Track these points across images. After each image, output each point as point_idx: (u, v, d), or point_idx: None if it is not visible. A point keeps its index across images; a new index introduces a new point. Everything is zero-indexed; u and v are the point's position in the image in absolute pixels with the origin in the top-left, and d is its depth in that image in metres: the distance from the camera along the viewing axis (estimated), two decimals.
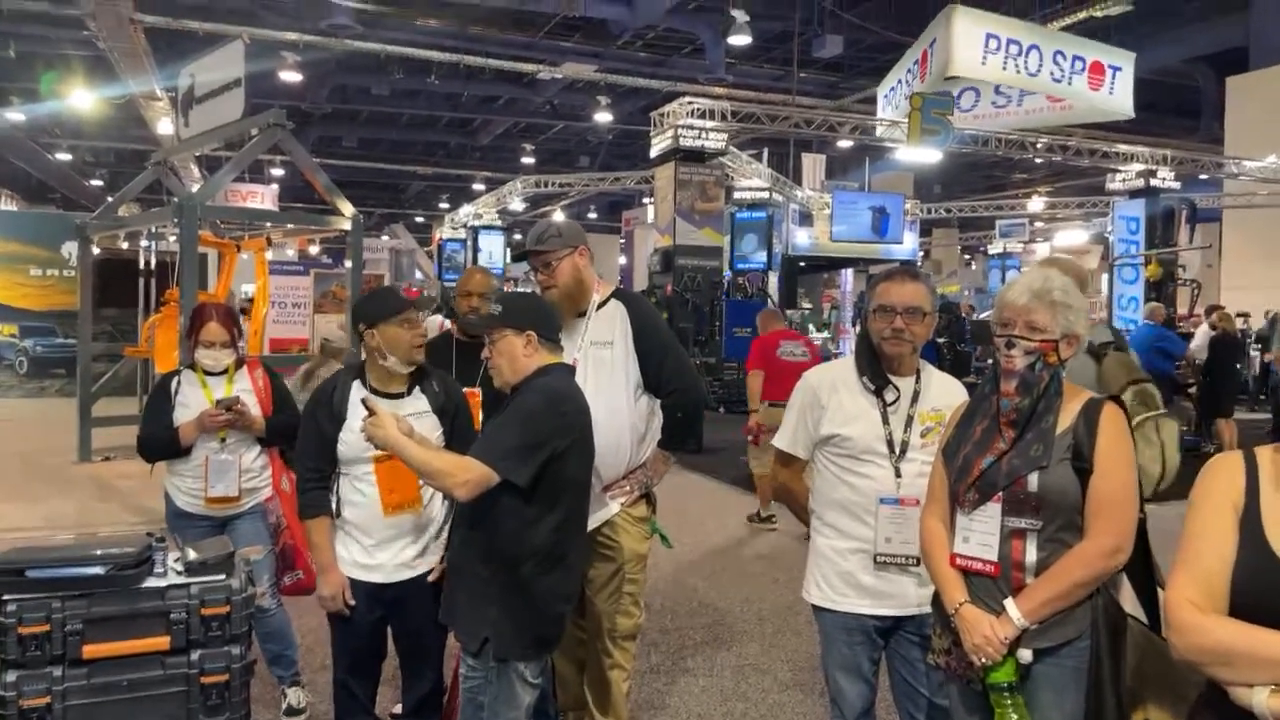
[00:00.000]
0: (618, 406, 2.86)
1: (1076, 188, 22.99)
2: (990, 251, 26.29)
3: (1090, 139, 16.70)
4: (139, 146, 17.75)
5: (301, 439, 2.81)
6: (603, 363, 2.88)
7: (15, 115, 15.78)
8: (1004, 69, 10.80)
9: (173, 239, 8.34)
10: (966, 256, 30.53)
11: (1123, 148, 17.22)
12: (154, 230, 8.92)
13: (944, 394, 2.44)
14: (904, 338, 2.38)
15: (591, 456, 2.57)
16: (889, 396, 2.42)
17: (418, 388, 2.82)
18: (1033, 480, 1.96)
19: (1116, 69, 10.23)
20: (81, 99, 14.75)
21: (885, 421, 2.41)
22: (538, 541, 2.39)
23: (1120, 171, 17.67)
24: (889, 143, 15.32)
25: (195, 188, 12.90)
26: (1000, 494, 1.99)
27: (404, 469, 2.61)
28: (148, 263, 9.19)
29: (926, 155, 13.74)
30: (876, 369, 2.43)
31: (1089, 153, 16.96)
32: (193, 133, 8.55)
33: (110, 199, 11.44)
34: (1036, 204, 23.72)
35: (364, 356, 2.83)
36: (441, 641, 2.87)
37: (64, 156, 21.17)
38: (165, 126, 14.63)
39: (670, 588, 5.26)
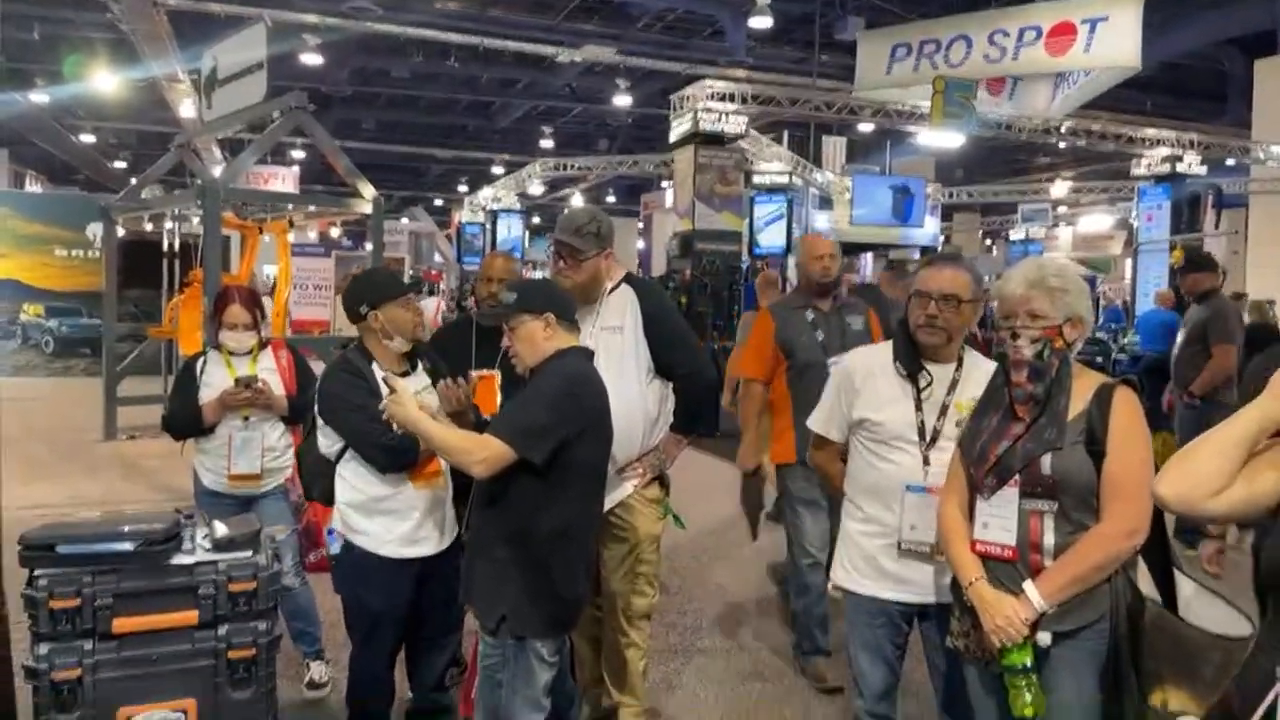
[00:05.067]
0: (629, 390, 2.88)
1: (1100, 172, 22.72)
2: (1012, 237, 26.06)
3: (1115, 123, 16.48)
4: (162, 129, 17.84)
5: (359, 423, 2.72)
6: (613, 347, 2.90)
7: (40, 97, 15.90)
8: (914, 71, 10.72)
9: (196, 221, 8.42)
10: (988, 242, 30.28)
11: (1148, 132, 16.99)
12: (177, 212, 9.00)
13: (985, 383, 2.36)
14: (937, 325, 2.36)
15: (609, 439, 2.59)
16: (922, 383, 2.41)
17: (418, 364, 2.90)
18: (1046, 462, 1.99)
19: (1096, 20, 9.50)
20: (105, 81, 14.84)
21: (918, 408, 2.40)
22: (554, 521, 2.43)
23: (1145, 156, 17.44)
24: (910, 126, 15.21)
25: (218, 169, 12.99)
26: (1017, 477, 2.01)
27: (426, 450, 2.66)
28: (171, 244, 9.28)
29: (949, 139, 13.62)
30: (911, 355, 2.42)
31: (1114, 137, 16.75)
32: (215, 115, 8.60)
33: (134, 181, 11.54)
34: (1060, 189, 23.45)
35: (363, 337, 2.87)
36: (462, 613, 2.92)
37: (88, 138, 21.33)
38: (188, 109, 14.70)
39: (686, 569, 5.29)
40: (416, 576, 2.80)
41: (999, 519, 2.05)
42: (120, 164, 24.51)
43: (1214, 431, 1.52)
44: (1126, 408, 2.00)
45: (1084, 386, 2.05)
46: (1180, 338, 5.75)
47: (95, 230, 12.71)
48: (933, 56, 10.64)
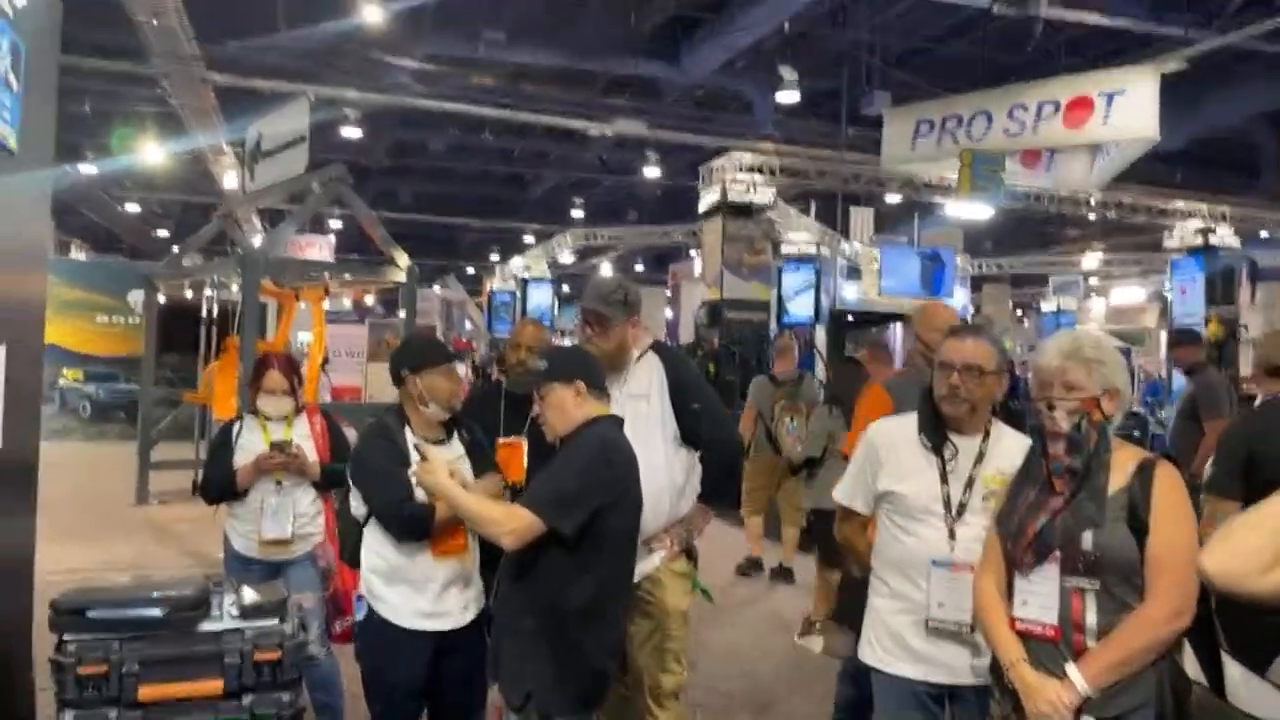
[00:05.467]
0: (655, 459, 2.85)
1: (1132, 244, 22.64)
2: (1044, 308, 25.91)
3: (1146, 195, 16.48)
4: (204, 199, 18.39)
5: (379, 471, 2.72)
6: (639, 415, 2.88)
7: (89, 169, 16.49)
8: (937, 146, 10.90)
9: (235, 288, 8.60)
10: (1019, 313, 30.12)
11: (1179, 204, 16.95)
12: (216, 279, 9.22)
13: (1013, 456, 2.29)
14: (961, 395, 2.33)
15: (639, 510, 2.56)
16: (947, 454, 2.36)
17: (454, 432, 2.88)
18: (1087, 539, 1.94)
19: (1113, 94, 9.62)
20: (152, 153, 15.39)
21: (943, 481, 2.35)
22: (583, 595, 2.38)
23: (1177, 229, 17.37)
24: (938, 198, 15.31)
25: (257, 238, 13.33)
26: (1057, 553, 1.96)
27: (453, 520, 2.64)
28: (209, 311, 9.48)
29: (977, 211, 13.67)
30: (935, 426, 2.39)
31: (1144, 209, 16.72)
32: (258, 186, 8.86)
33: (175, 249, 11.86)
34: (1091, 260, 23.37)
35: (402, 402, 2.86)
36: (485, 691, 2.86)
37: (133, 208, 22.01)
38: (231, 180, 15.19)
39: (714, 644, 5.18)
40: (437, 649, 2.72)
41: (1039, 596, 2.00)
42: (163, 232, 25.23)
43: (1263, 506, 1.49)
44: (1169, 484, 1.96)
45: (1124, 461, 2.01)
46: (1174, 413, 5.69)
47: (136, 297, 13.02)
48: (955, 132, 10.82)
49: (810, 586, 6.02)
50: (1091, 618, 1.93)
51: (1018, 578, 2.03)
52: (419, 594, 2.69)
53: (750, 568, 6.83)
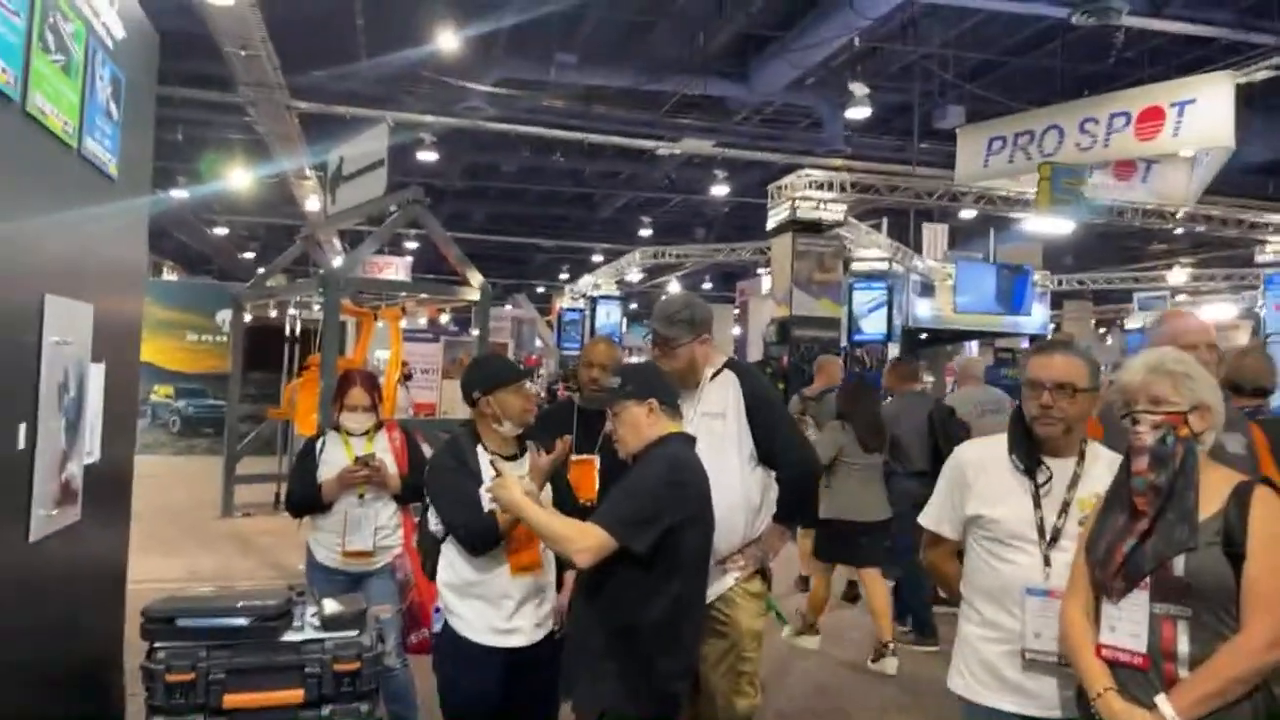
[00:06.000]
0: (730, 478, 2.83)
1: (1222, 259, 21.75)
2: (1129, 325, 25.03)
3: (1236, 208, 15.83)
4: (288, 221, 19.03)
5: (451, 503, 2.76)
6: (714, 434, 2.87)
7: (180, 194, 17.22)
8: (1009, 162, 10.75)
9: (316, 308, 8.87)
10: (1102, 330, 29.14)
11: (1272, 218, 16.24)
12: (299, 299, 9.51)
13: (1110, 478, 2.18)
14: (1053, 415, 2.22)
15: (711, 530, 2.55)
16: (1040, 478, 2.26)
17: (527, 452, 2.90)
18: (1179, 564, 1.86)
19: (1184, 103, 9.35)
20: (239, 178, 16.01)
21: (1037, 505, 2.24)
22: (655, 614, 2.37)
23: (1270, 243, 16.64)
24: (1016, 213, 14.94)
25: (337, 259, 13.72)
26: (1148, 580, 1.89)
27: (530, 531, 2.66)
28: (292, 330, 9.78)
29: (1057, 226, 13.30)
30: (1027, 448, 2.28)
31: (1234, 223, 16.05)
32: (339, 209, 9.13)
33: (261, 270, 12.28)
34: (1178, 276, 22.49)
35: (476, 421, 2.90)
36: (558, 708, 2.87)
37: (221, 231, 22.90)
38: (313, 203, 15.70)
39: (786, 667, 5.11)
40: (510, 665, 2.73)
41: (1128, 624, 1.92)
42: (248, 254, 26.18)
43: None
44: (1268, 508, 1.87)
45: (1217, 483, 1.93)
46: None
47: (224, 316, 13.52)
48: (1027, 148, 10.73)
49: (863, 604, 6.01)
50: (1184, 646, 1.85)
51: (1106, 604, 1.96)
52: (494, 610, 2.70)
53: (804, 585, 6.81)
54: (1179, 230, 17.18)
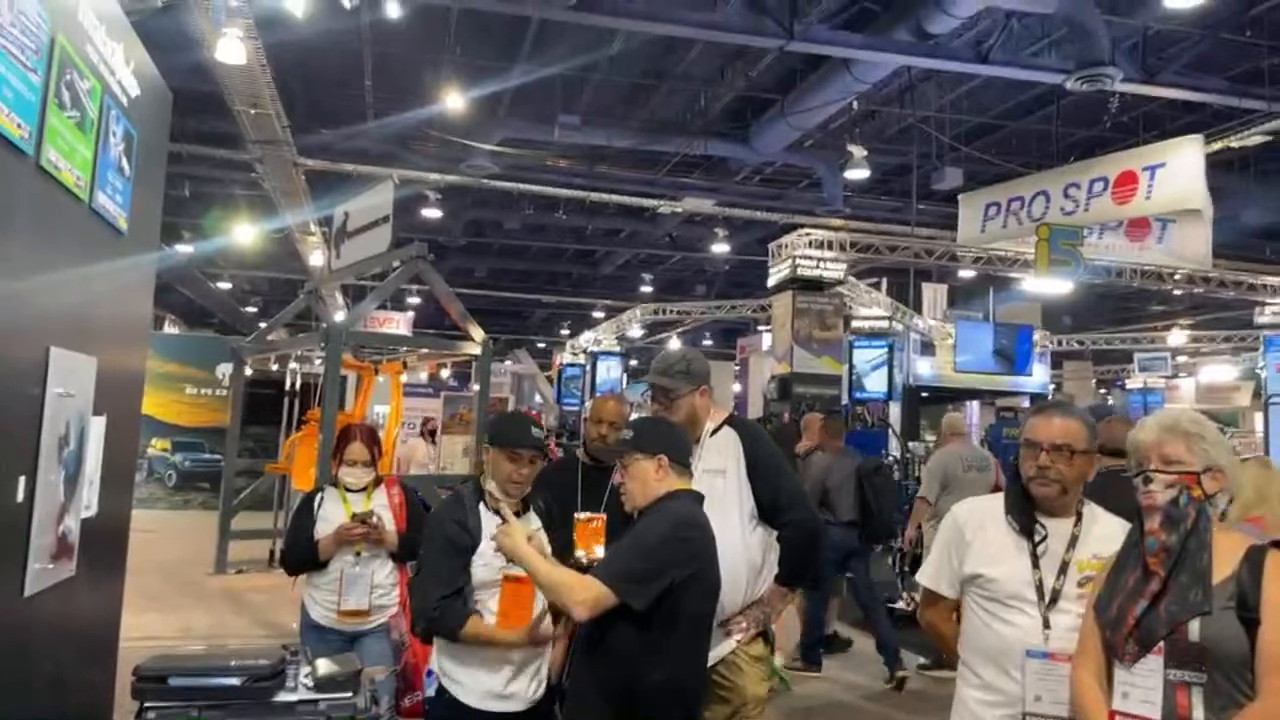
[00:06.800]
0: (732, 537, 2.78)
1: (1221, 321, 21.87)
2: (1129, 386, 25.07)
3: (1234, 269, 15.98)
4: (291, 276, 19.17)
5: (432, 559, 2.74)
6: (715, 491, 2.82)
7: (186, 249, 17.38)
8: (1003, 227, 11.15)
9: (317, 362, 8.88)
10: (1103, 391, 29.17)
11: (1270, 279, 16.39)
12: (300, 353, 9.53)
13: (1108, 540, 2.18)
14: (1050, 476, 2.23)
15: (716, 590, 2.51)
16: (1037, 537, 2.25)
17: (530, 509, 2.87)
18: (1194, 628, 1.83)
19: (1155, 167, 9.63)
20: (244, 233, 16.17)
21: (1035, 565, 2.23)
22: (657, 674, 2.32)
23: (1269, 304, 16.76)
24: (1014, 273, 15.07)
25: (339, 314, 13.79)
26: (1161, 644, 1.85)
27: (525, 595, 2.61)
28: (292, 384, 9.77)
29: (1055, 286, 13.41)
30: (1023, 507, 2.28)
31: (1233, 284, 16.19)
32: (343, 264, 9.20)
33: (263, 324, 12.33)
34: (1178, 337, 22.61)
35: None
36: None
37: (224, 285, 23.05)
38: (317, 258, 15.83)
39: None
40: None
41: (1141, 689, 1.88)
42: (251, 308, 26.31)
43: None
44: None
45: (1229, 546, 1.91)
46: None
47: (224, 370, 13.53)
48: (1019, 213, 11.09)
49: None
50: (1199, 713, 1.81)
51: (1118, 668, 1.92)
52: (491, 675, 2.64)
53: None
54: (1178, 291, 17.31)
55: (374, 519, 3.58)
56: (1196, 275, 15.52)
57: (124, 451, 3.37)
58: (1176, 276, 15.50)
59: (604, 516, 3.02)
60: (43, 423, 2.41)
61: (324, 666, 2.65)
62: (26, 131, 2.26)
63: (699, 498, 2.57)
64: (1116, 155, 10.29)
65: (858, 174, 12.37)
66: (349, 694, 2.61)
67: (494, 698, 2.64)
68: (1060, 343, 22.15)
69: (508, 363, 29.27)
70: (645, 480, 2.48)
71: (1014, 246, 13.72)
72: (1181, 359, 24.35)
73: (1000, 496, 2.40)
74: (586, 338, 25.36)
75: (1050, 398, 19.07)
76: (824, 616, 6.49)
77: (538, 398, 30.06)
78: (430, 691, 2.77)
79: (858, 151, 11.89)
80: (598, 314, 25.96)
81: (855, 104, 11.64)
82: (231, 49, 8.17)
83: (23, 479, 2.33)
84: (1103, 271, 14.08)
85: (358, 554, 3.59)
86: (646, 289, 23.99)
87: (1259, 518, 3.16)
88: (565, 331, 29.85)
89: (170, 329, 23.87)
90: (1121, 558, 2.02)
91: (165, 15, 7.48)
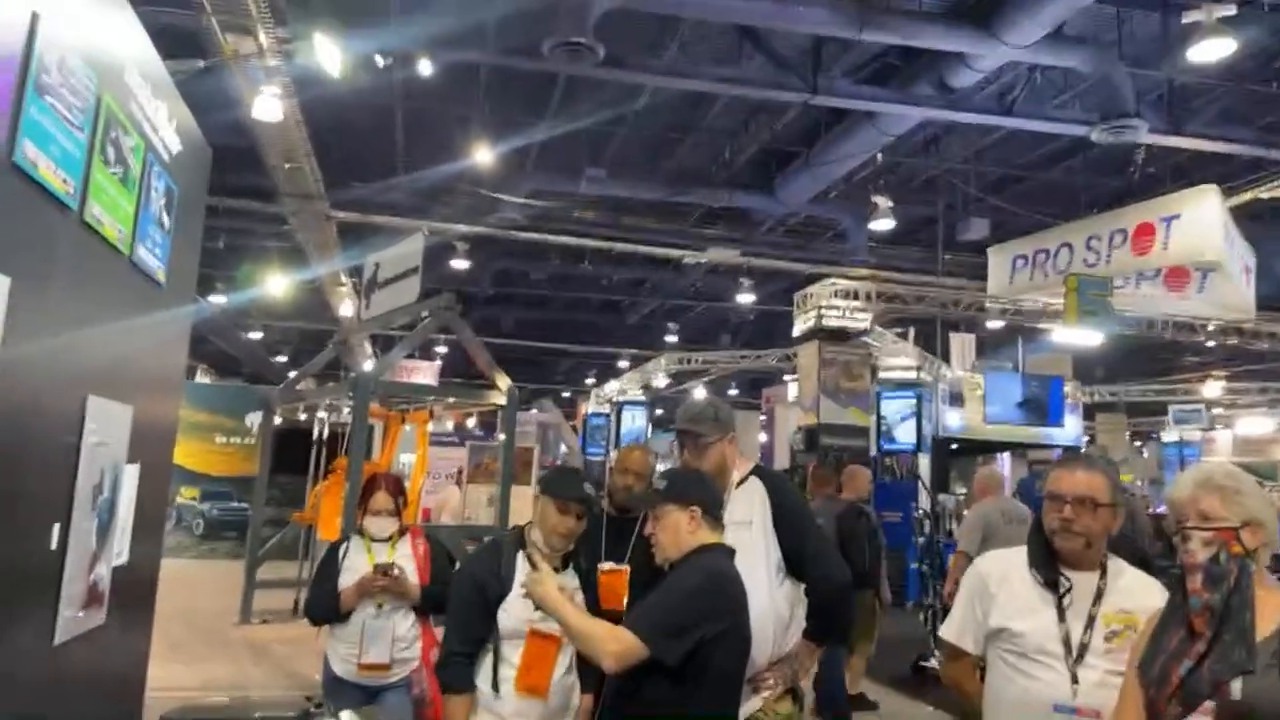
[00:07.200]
0: (759, 590, 2.73)
1: (1257, 373, 21.52)
2: (1165, 439, 24.63)
3: (1270, 320, 15.75)
4: (320, 326, 19.41)
5: (456, 606, 2.77)
6: (742, 544, 2.76)
7: (219, 299, 17.69)
8: (1030, 280, 11.25)
9: (346, 411, 8.94)
10: (1138, 443, 28.68)
11: None
12: (328, 402, 9.61)
13: (1135, 594, 2.18)
14: (1074, 530, 2.23)
15: (747, 647, 2.47)
16: (1061, 589, 2.23)
17: (571, 566, 2.85)
18: (1236, 687, 1.77)
19: (1170, 219, 9.63)
20: (276, 284, 16.44)
21: (1061, 619, 2.21)
22: None
23: None
24: (1043, 324, 14.95)
25: (367, 363, 13.91)
26: (1208, 704, 1.80)
27: (547, 653, 2.59)
28: (320, 433, 9.84)
29: (1085, 337, 13.30)
30: (1047, 561, 2.27)
31: (1267, 335, 15.95)
32: (373, 314, 9.31)
33: (292, 374, 12.47)
34: (1213, 389, 22.24)
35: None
36: None
37: (255, 335, 23.37)
38: (347, 308, 16.05)
39: None
40: None
41: None
42: (281, 358, 26.62)
43: None
44: None
45: (1274, 603, 1.86)
46: None
47: (253, 419, 13.66)
48: (1044, 265, 11.15)
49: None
50: None
51: None
52: None
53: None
54: (1211, 343, 17.07)
55: (395, 570, 3.55)
56: (1230, 326, 15.32)
57: (156, 499, 3.40)
58: (1210, 328, 15.29)
59: (628, 569, 3.00)
60: (78, 470, 2.45)
61: (348, 718, 2.64)
62: (71, 187, 2.33)
63: (731, 553, 2.54)
64: (1136, 207, 10.30)
65: (883, 225, 12.41)
66: None
67: None
68: (1093, 395, 21.86)
69: (533, 411, 29.32)
70: (678, 531, 2.46)
71: (1043, 296, 13.65)
72: (1217, 410, 23.92)
73: (1022, 550, 2.37)
74: (612, 387, 25.38)
75: (1083, 450, 18.78)
76: (843, 672, 6.34)
77: (563, 447, 30.02)
78: None
79: (883, 202, 11.94)
80: (623, 363, 26.00)
81: (880, 156, 11.72)
82: (269, 107, 8.39)
83: (56, 526, 2.35)
84: (1133, 322, 13.93)
85: (380, 606, 3.57)
86: (672, 338, 24.03)
87: None
88: (590, 381, 29.90)
89: (202, 378, 24.18)
90: (1166, 616, 1.98)
91: (206, 74, 7.73)
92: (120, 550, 2.89)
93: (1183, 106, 10.08)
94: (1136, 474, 24.30)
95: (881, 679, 7.22)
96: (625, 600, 2.98)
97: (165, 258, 3.16)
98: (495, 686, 2.65)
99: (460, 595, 2.77)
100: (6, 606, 2.12)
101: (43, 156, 2.14)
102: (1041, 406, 16.16)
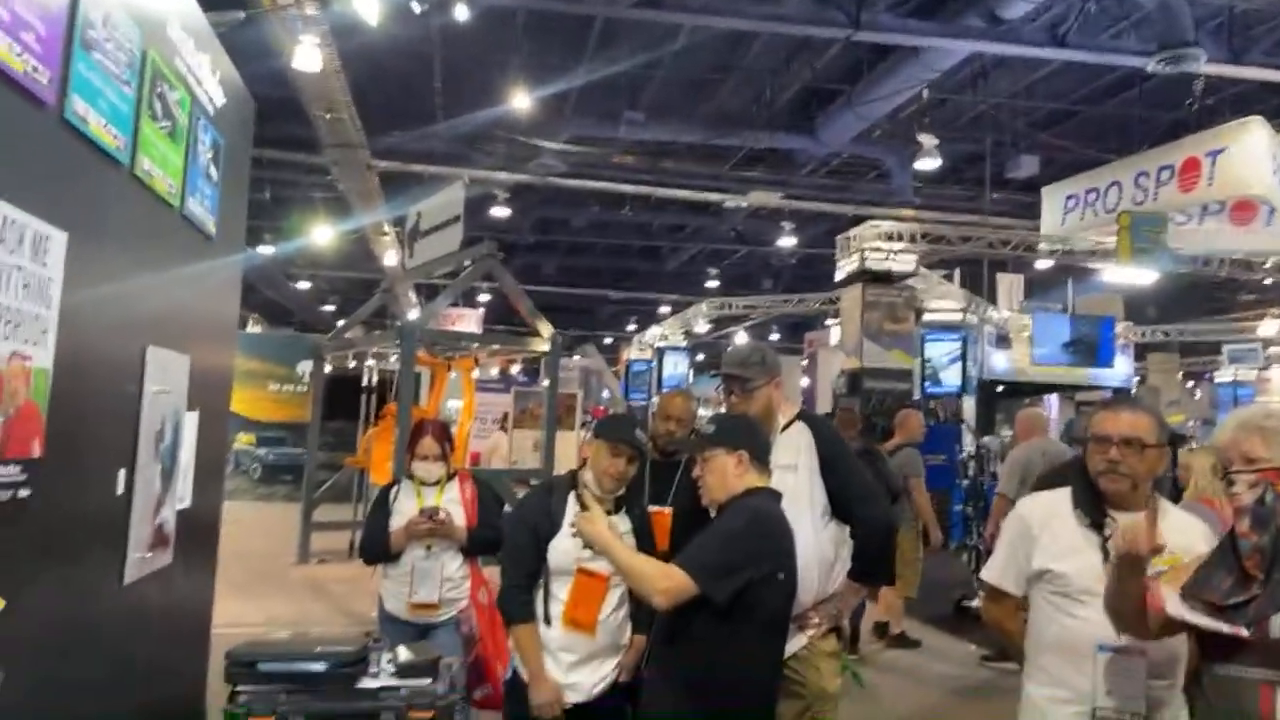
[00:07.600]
0: (804, 533, 2.77)
1: None
2: (1218, 379, 24.04)
3: None
4: (367, 275, 19.65)
5: (510, 541, 2.89)
6: (787, 487, 2.80)
7: (267, 250, 17.97)
8: (1081, 219, 10.91)
9: (393, 358, 9.10)
10: (1190, 384, 28.04)
11: None
12: (376, 350, 9.77)
13: (1180, 533, 2.16)
14: (1120, 471, 2.21)
15: (793, 589, 2.52)
16: (1107, 531, 2.22)
17: (624, 510, 2.90)
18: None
19: (1216, 153, 9.29)
20: (321, 234, 16.64)
21: (1106, 559, 2.19)
22: (733, 668, 2.35)
23: None
24: (1095, 263, 14.59)
25: (412, 311, 14.09)
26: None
27: (596, 590, 2.67)
28: (369, 380, 10.03)
29: (1139, 275, 12.97)
30: (1093, 502, 2.26)
31: None
32: (416, 263, 9.41)
33: (340, 323, 12.70)
34: (1269, 327, 21.58)
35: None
36: None
37: (303, 285, 23.74)
38: (391, 258, 16.21)
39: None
40: (568, 715, 2.73)
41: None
42: (328, 307, 27.04)
43: None
44: None
45: None
46: None
47: (305, 367, 13.96)
48: (1094, 204, 10.83)
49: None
50: None
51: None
52: (552, 661, 2.72)
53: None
54: (1269, 280, 16.54)
55: (440, 514, 3.65)
56: None
57: (215, 445, 3.52)
58: (1267, 264, 14.81)
59: (670, 510, 3.05)
60: (141, 418, 2.54)
61: (405, 653, 2.75)
62: (122, 142, 2.38)
63: (778, 496, 2.58)
64: (1184, 141, 9.94)
65: (928, 164, 12.12)
66: (429, 680, 2.70)
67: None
68: (1144, 334, 21.36)
69: (576, 358, 29.50)
70: (725, 475, 2.50)
71: (1094, 234, 13.30)
72: (1273, 350, 23.25)
73: (1065, 492, 2.36)
74: (653, 333, 25.38)
75: (1133, 391, 18.45)
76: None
77: (605, 393, 30.24)
78: (509, 675, 2.85)
79: (928, 141, 11.65)
80: (664, 309, 25.97)
81: (925, 92, 11.40)
82: (308, 56, 8.41)
83: (123, 472, 2.46)
84: (1188, 260, 13.52)
85: (428, 548, 3.68)
86: (713, 283, 23.91)
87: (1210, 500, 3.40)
88: (632, 327, 29.94)
89: (253, 328, 24.67)
90: (1217, 555, 1.96)
91: (245, 25, 7.75)
92: (184, 494, 3.01)
93: (1243, 34, 9.64)
94: (1189, 414, 23.82)
95: (924, 618, 7.28)
96: (668, 541, 3.04)
97: (214, 210, 3.22)
98: (547, 619, 2.75)
99: (514, 532, 2.90)
100: (78, 549, 2.24)
101: (92, 112, 2.18)
102: (1091, 347, 15.85)
